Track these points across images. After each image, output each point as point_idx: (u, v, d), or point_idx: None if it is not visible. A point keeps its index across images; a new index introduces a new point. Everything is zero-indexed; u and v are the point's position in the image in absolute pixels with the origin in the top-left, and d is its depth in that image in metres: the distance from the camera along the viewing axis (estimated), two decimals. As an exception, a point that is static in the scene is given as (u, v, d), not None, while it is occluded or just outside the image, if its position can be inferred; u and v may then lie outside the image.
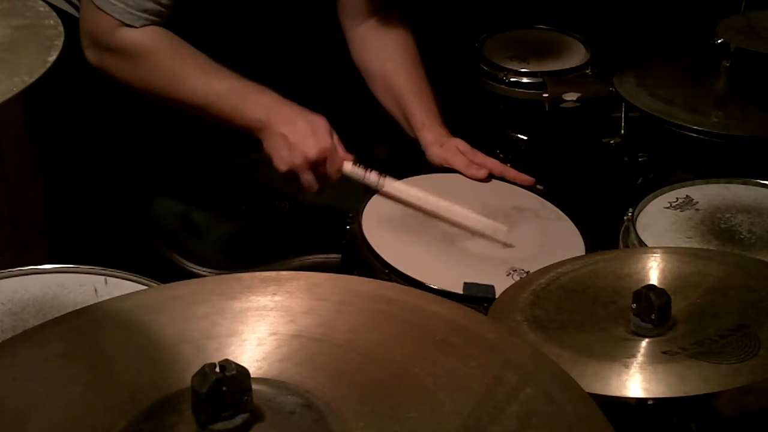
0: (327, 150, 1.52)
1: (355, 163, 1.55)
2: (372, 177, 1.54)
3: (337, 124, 1.57)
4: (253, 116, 1.53)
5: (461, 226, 1.49)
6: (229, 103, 1.53)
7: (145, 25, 1.52)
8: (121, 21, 1.51)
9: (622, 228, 1.49)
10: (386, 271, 1.37)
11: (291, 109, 1.54)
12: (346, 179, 1.56)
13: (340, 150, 1.54)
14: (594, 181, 1.84)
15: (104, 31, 1.53)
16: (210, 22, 1.62)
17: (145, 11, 1.51)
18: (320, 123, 1.53)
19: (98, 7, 1.51)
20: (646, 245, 1.41)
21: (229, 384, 0.74)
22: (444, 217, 1.50)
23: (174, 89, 1.54)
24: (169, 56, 1.54)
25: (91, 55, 1.57)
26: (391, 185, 1.54)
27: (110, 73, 1.57)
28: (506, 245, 1.46)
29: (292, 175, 1.53)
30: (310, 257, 1.69)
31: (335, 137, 1.54)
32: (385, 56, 1.75)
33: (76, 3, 1.61)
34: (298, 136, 1.51)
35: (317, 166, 1.52)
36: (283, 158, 1.52)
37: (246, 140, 1.56)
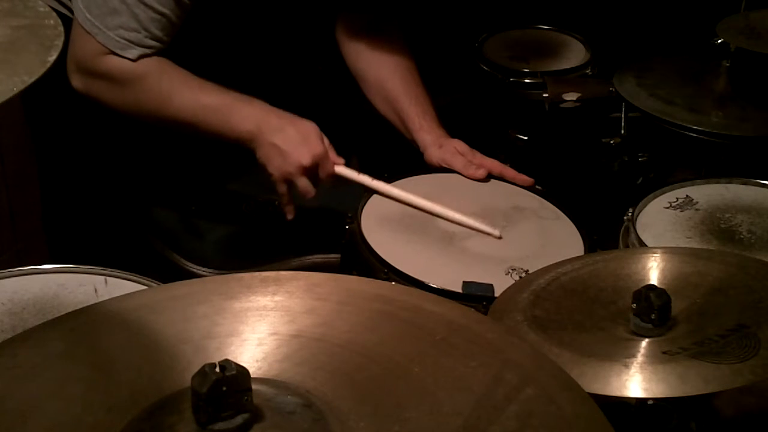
0: (319, 156, 1.52)
1: (346, 166, 1.56)
2: (364, 179, 1.55)
3: (337, 126, 1.57)
4: (243, 128, 1.53)
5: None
6: (217, 118, 1.54)
7: (141, 57, 1.52)
8: (120, 55, 1.51)
9: (622, 228, 1.49)
10: (385, 270, 1.37)
11: (280, 118, 1.54)
12: (344, 180, 1.56)
13: (331, 154, 1.55)
14: (594, 181, 1.84)
15: (91, 57, 1.53)
16: (204, 26, 1.61)
17: (145, 47, 1.52)
18: (310, 128, 1.54)
19: (93, 37, 1.51)
20: (646, 245, 1.41)
21: (229, 384, 0.74)
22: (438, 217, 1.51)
23: (162, 109, 1.54)
24: (157, 78, 1.54)
25: (76, 82, 1.56)
26: (383, 188, 1.55)
27: (97, 99, 1.57)
28: (506, 242, 1.46)
29: (287, 182, 1.53)
30: (310, 257, 1.70)
31: (326, 141, 1.54)
32: (379, 64, 1.76)
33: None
34: (289, 144, 1.51)
35: (311, 171, 1.53)
36: (276, 167, 1.52)
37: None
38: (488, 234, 1.47)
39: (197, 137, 1.57)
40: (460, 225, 1.49)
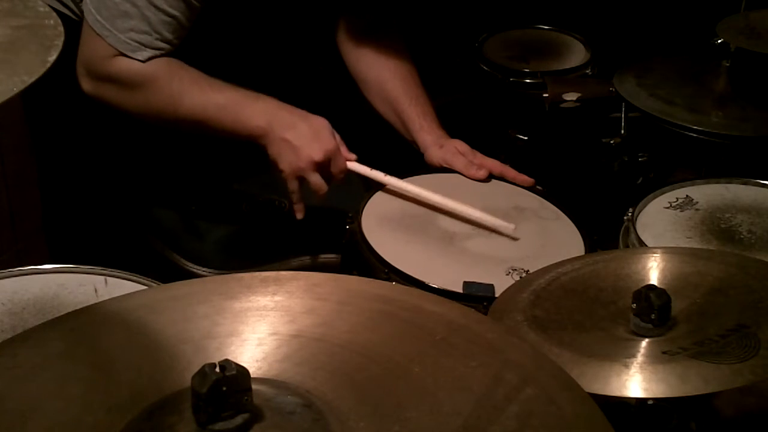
0: (331, 151, 1.52)
1: (358, 162, 1.56)
2: (377, 175, 1.55)
3: (337, 126, 1.57)
4: (254, 124, 1.53)
5: (468, 222, 1.49)
6: (228, 115, 1.53)
7: (150, 59, 1.52)
8: (130, 57, 1.51)
9: (622, 228, 1.49)
10: (386, 270, 1.37)
11: (291, 113, 1.54)
12: (347, 179, 1.56)
13: (344, 150, 1.55)
14: (594, 181, 1.84)
15: (100, 59, 1.52)
16: (208, 26, 1.62)
17: (155, 48, 1.51)
18: (322, 124, 1.53)
19: (103, 39, 1.50)
20: (646, 245, 1.41)
21: (229, 384, 0.74)
22: (450, 214, 1.51)
23: (173, 109, 1.54)
24: (167, 79, 1.53)
25: (86, 85, 1.56)
26: (396, 184, 1.55)
27: (108, 102, 1.56)
28: (506, 242, 1.46)
29: (298, 179, 1.53)
30: (310, 257, 1.70)
31: (338, 137, 1.54)
32: (379, 66, 1.77)
33: (73, 8, 1.61)
34: (301, 139, 1.51)
35: (323, 167, 1.52)
36: (289, 163, 1.52)
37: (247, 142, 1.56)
38: (504, 231, 1.47)
39: (208, 136, 1.57)
40: (478, 224, 1.49)
